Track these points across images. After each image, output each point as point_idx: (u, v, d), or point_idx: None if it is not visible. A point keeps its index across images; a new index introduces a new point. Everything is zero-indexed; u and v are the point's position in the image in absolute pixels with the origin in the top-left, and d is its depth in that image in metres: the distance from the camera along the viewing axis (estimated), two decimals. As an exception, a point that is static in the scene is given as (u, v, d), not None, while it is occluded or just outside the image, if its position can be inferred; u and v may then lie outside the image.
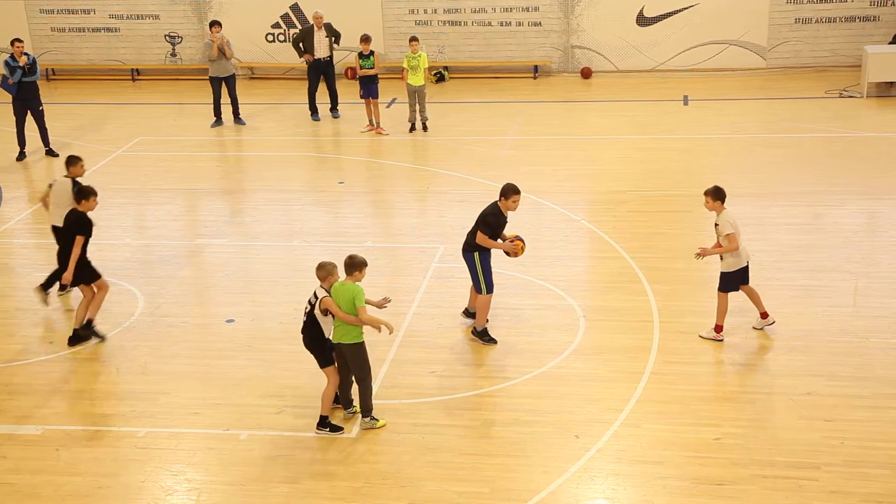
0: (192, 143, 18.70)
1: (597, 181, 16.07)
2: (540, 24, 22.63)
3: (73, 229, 10.98)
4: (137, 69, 23.71)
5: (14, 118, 17.61)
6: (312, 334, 9.53)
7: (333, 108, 19.90)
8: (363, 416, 9.65)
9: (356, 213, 15.29)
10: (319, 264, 9.45)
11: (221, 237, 14.19)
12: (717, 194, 10.71)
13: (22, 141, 17.70)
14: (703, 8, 21.96)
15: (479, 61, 22.98)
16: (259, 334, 11.57)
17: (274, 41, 23.21)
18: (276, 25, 23.15)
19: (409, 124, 18.98)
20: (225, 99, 19.55)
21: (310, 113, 19.78)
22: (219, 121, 19.66)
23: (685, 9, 22.08)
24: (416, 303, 12.09)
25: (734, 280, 10.84)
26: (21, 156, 17.71)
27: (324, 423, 9.60)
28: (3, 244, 14.28)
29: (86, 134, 19.18)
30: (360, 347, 9.44)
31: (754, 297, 11.05)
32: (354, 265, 9.39)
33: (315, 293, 9.43)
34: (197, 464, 9.24)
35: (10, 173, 17.14)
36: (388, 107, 20.21)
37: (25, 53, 17.50)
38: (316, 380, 10.41)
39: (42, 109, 17.75)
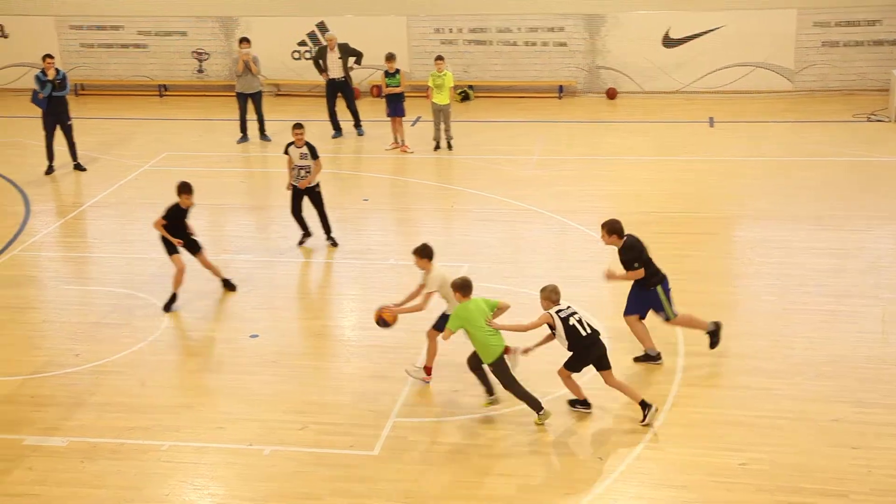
0: (218, 158, 18.82)
1: (621, 202, 16.04)
2: (565, 44, 22.67)
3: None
4: (165, 85, 23.91)
5: (44, 132, 17.78)
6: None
7: (356, 126, 20.01)
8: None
9: (380, 231, 15.33)
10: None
11: (246, 253, 14.24)
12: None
13: (51, 155, 17.86)
14: (729, 30, 21.94)
15: (504, 80, 23.04)
16: (283, 350, 11.60)
17: (300, 59, 23.35)
18: (302, 43, 23.30)
19: (434, 142, 19.03)
20: (251, 115, 19.67)
21: (333, 131, 19.90)
22: (244, 137, 19.79)
23: (711, 31, 22.07)
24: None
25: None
26: (49, 170, 17.87)
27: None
28: (31, 257, 14.39)
29: (113, 149, 19.34)
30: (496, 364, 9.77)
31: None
32: (465, 287, 9.82)
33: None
34: (220, 478, 9.26)
35: (39, 187, 17.30)
36: (412, 125, 20.28)
37: (56, 69, 17.68)
38: (339, 396, 10.43)
39: (71, 124, 17.92)
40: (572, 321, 9.79)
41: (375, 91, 22.77)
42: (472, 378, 10.67)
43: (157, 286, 13.05)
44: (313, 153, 14.19)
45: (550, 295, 9.90)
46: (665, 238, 14.46)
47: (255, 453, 9.54)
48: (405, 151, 18.93)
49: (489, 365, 9.91)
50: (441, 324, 10.47)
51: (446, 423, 9.99)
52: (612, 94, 22.68)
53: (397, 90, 18.84)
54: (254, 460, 9.45)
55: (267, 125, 19.85)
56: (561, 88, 22.87)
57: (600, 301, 12.68)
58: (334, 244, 14.32)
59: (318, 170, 14.26)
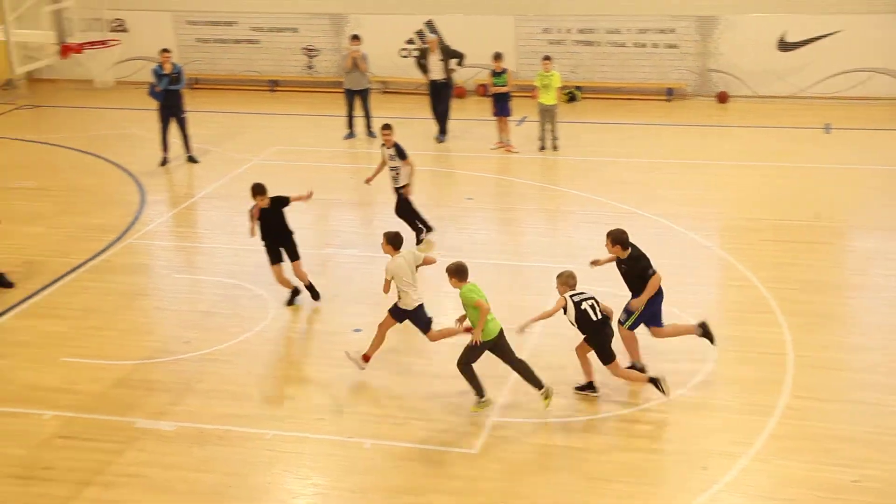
0: (325, 154, 19.07)
1: (730, 208, 15.72)
2: (676, 46, 22.33)
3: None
4: (276, 80, 24.35)
5: (159, 124, 18.28)
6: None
7: (441, 132, 19.71)
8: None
9: (483, 230, 15.33)
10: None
11: (351, 247, 14.39)
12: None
13: (165, 146, 18.35)
14: (846, 34, 21.31)
15: (611, 82, 22.80)
16: (385, 345, 11.64)
17: (408, 56, 23.52)
18: (410, 41, 23.45)
19: (540, 143, 18.95)
20: (358, 112, 19.88)
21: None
22: (351, 133, 20.01)
23: (828, 35, 21.46)
24: (542, 322, 11.99)
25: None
26: (164, 161, 18.36)
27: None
28: (145, 245, 14.81)
29: (224, 142, 19.77)
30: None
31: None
32: (460, 271, 10.04)
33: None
34: (321, 469, 9.38)
35: (154, 178, 17.79)
36: (518, 125, 20.23)
37: (172, 63, 18.16)
38: (440, 393, 10.46)
39: (185, 117, 18.38)
40: (584, 306, 10.11)
41: (481, 90, 22.79)
42: (572, 380, 10.60)
43: (263, 277, 13.27)
44: (402, 154, 14.18)
45: (567, 280, 10.26)
46: (775, 246, 14.15)
47: (356, 446, 9.63)
48: (510, 151, 18.89)
49: (489, 342, 9.88)
50: (394, 313, 10.73)
51: (546, 424, 9.92)
52: (723, 98, 22.24)
53: (503, 90, 18.81)
54: (354, 452, 9.54)
55: (374, 122, 20.03)
56: (670, 91, 22.53)
57: (706, 305, 12.44)
58: (419, 241, 14.42)
59: (411, 170, 14.28)
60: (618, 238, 10.55)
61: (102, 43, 15.10)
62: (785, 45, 21.84)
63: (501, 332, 10.04)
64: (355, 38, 19.74)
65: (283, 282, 12.60)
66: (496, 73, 18.88)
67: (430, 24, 23.28)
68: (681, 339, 11.49)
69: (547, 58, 18.85)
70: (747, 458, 9.25)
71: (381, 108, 21.26)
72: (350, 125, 20.02)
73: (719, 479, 8.98)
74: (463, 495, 8.89)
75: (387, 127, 14.41)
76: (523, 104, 20.25)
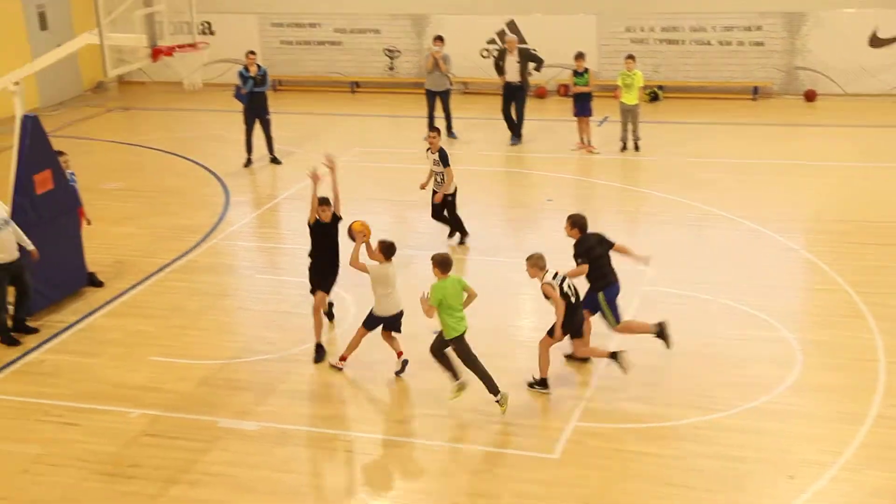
0: (406, 155, 19.16)
1: (818, 209, 15.35)
2: (762, 43, 21.90)
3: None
4: (357, 82, 24.55)
5: (244, 126, 18.57)
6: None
7: (516, 135, 19.49)
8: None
9: (562, 232, 15.16)
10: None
11: (430, 249, 14.36)
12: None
13: (249, 148, 18.63)
14: (942, 29, 20.66)
15: (695, 81, 22.47)
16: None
17: (489, 57, 23.49)
18: (492, 41, 23.43)
19: (621, 143, 18.75)
20: (439, 113, 19.92)
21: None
22: (433, 133, 20.04)
23: (923, 30, 20.85)
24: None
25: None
26: (248, 162, 18.65)
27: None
28: (228, 246, 15.05)
29: (306, 143, 19.99)
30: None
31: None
32: (444, 263, 10.11)
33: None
34: (400, 471, 9.41)
35: (238, 178, 18.08)
36: (599, 125, 20.05)
37: (257, 65, 18.43)
38: (519, 397, 10.42)
39: (269, 118, 18.64)
40: (565, 288, 10.32)
41: (562, 90, 22.66)
42: (656, 387, 10.47)
43: (343, 278, 13.36)
44: (444, 160, 14.01)
45: (538, 262, 10.36)
46: (865, 249, 13.78)
47: (436, 449, 9.64)
48: (591, 152, 18.73)
49: (452, 341, 10.02)
50: (368, 322, 10.80)
51: (627, 430, 9.81)
52: (810, 96, 21.75)
53: (585, 90, 18.65)
54: (432, 455, 9.55)
55: (454, 122, 20.05)
56: (756, 90, 22.10)
57: (793, 309, 12.17)
58: (461, 242, 14.37)
59: (450, 178, 14.14)
60: (575, 221, 11.03)
61: (192, 46, 15.35)
62: (877, 41, 21.26)
63: (464, 333, 10.15)
64: (439, 38, 19.78)
65: (319, 321, 11.39)
66: (578, 73, 18.73)
67: (511, 25, 23.22)
68: (766, 345, 11.29)
69: (630, 57, 18.65)
70: (836, 468, 9.02)
71: (462, 108, 21.29)
72: (431, 126, 20.05)
73: (807, 488, 8.77)
74: (542, 500, 8.83)
75: (434, 129, 14.35)
76: (604, 104, 20.07)
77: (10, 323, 12.09)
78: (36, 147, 12.53)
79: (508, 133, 19.60)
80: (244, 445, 9.78)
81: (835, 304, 12.21)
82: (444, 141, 19.77)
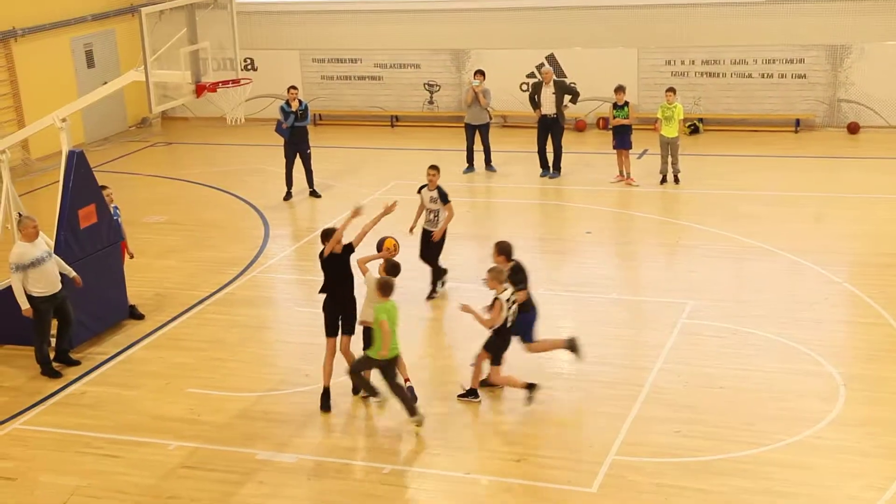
0: (444, 188, 19.14)
1: (862, 242, 15.15)
2: (804, 76, 21.76)
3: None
4: (397, 116, 24.72)
5: (284, 160, 18.75)
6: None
7: (556, 168, 19.43)
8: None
9: (602, 264, 15.15)
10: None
11: (468, 282, 14.38)
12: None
13: (290, 182, 18.80)
14: None
15: (736, 114, 22.36)
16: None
17: (528, 90, 23.53)
18: (531, 75, 23.49)
19: (661, 176, 18.67)
20: (478, 146, 19.98)
21: (540, 169, 19.60)
22: (471, 167, 20.12)
23: (968, 61, 20.61)
24: (662, 359, 11.79)
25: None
26: (288, 195, 18.81)
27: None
28: (268, 278, 15.16)
29: (346, 177, 20.11)
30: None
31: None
32: (386, 286, 10.36)
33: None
34: (437, 505, 9.36)
35: (278, 212, 18.22)
36: (639, 157, 19.99)
37: (298, 100, 18.64)
38: (557, 430, 10.35)
39: (310, 153, 18.80)
40: (510, 314, 10.66)
41: (602, 123, 22.65)
42: (695, 420, 10.35)
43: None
44: (443, 198, 13.75)
45: (499, 276, 10.65)
46: (911, 282, 13.57)
47: (473, 482, 9.58)
48: (630, 184, 18.67)
49: (381, 362, 10.26)
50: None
51: (667, 463, 9.68)
52: (854, 129, 21.54)
53: (625, 122, 18.63)
54: (471, 489, 9.49)
55: (493, 156, 20.10)
56: (798, 122, 21.94)
57: (836, 343, 11.99)
58: (443, 284, 13.93)
59: (449, 216, 13.74)
60: (502, 249, 11.16)
61: (235, 81, 15.60)
62: (921, 74, 21.06)
63: (397, 357, 10.46)
64: (480, 73, 19.87)
65: (329, 368, 11.04)
66: (618, 106, 18.71)
67: (551, 58, 23.29)
68: (809, 378, 11.13)
69: (671, 90, 18.60)
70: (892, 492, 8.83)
71: (500, 142, 21.34)
72: (470, 159, 20.14)
73: (856, 522, 8.60)
74: (579, 535, 8.74)
75: (434, 168, 13.94)
76: (643, 136, 20.02)
77: (51, 354, 12.24)
78: (81, 182, 12.75)
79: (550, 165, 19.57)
80: (281, 478, 9.78)
81: (878, 338, 12.02)
82: (482, 174, 19.90)
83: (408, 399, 10.46)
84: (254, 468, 9.94)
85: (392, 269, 10.99)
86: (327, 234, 11.26)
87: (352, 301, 11.10)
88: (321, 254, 11.22)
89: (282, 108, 18.64)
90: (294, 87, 18.87)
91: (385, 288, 10.42)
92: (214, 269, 15.28)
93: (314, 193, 18.91)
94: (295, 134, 18.59)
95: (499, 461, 9.91)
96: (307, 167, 18.84)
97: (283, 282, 15.18)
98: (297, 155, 18.71)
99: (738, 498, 9.10)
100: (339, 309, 11.07)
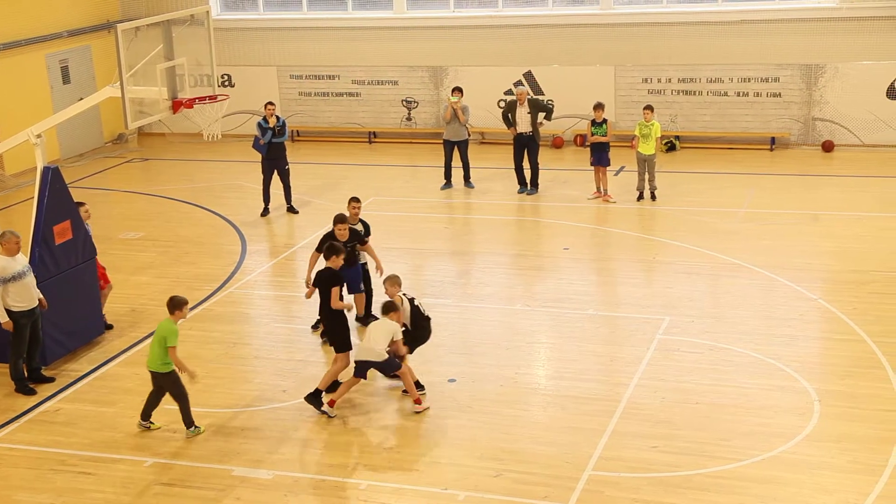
0: (422, 204, 19.23)
1: (836, 259, 15.28)
2: (780, 95, 21.96)
3: (326, 284, 11.47)
4: (374, 132, 24.75)
5: (262, 175, 18.71)
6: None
7: (532, 184, 19.52)
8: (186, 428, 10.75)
9: (579, 280, 15.19)
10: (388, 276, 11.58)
11: (445, 297, 14.41)
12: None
13: (266, 198, 18.76)
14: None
15: (712, 131, 22.52)
16: (479, 395, 11.63)
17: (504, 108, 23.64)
18: (509, 92, 23.59)
19: (638, 193, 18.77)
20: (456, 162, 20.03)
21: (518, 185, 19.66)
22: (448, 183, 20.15)
23: (940, 81, 20.87)
24: (639, 374, 11.83)
25: None
26: (265, 212, 18.76)
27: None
28: (245, 294, 15.11)
29: (324, 193, 20.09)
30: (169, 376, 10.65)
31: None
32: (174, 304, 10.57)
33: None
34: (414, 521, 9.33)
35: (254, 228, 18.18)
36: (616, 174, 20.10)
37: (276, 116, 18.62)
38: (534, 445, 10.35)
39: (288, 168, 18.77)
40: (416, 301, 11.46)
41: (579, 140, 22.77)
42: (672, 436, 10.38)
43: (354, 326, 13.39)
44: (367, 232, 13.41)
45: (397, 280, 11.47)
46: (884, 299, 13.69)
47: (450, 498, 9.56)
48: (607, 201, 18.76)
49: (165, 375, 10.58)
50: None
51: (644, 479, 9.70)
52: (828, 147, 21.75)
53: (603, 139, 18.73)
54: (448, 505, 9.48)
55: (471, 172, 20.15)
56: (773, 140, 22.13)
57: (811, 359, 12.07)
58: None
59: (370, 251, 13.31)
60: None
61: (212, 98, 15.59)
62: (894, 93, 21.28)
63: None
64: (458, 90, 19.94)
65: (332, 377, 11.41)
66: (596, 123, 18.82)
67: (528, 75, 23.40)
68: (784, 394, 11.20)
69: (648, 108, 18.72)
70: (871, 498, 8.87)
71: (479, 158, 21.40)
72: (447, 176, 20.17)
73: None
74: (557, 551, 8.73)
75: (355, 200, 13.54)
76: (621, 154, 20.13)
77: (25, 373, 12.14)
78: (56, 198, 12.67)
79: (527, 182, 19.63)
80: (258, 494, 9.73)
81: (853, 355, 12.10)
82: (460, 190, 19.93)
83: (187, 411, 10.83)
84: (230, 484, 9.88)
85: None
86: (332, 249, 11.66)
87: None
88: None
89: (259, 125, 18.61)
90: (271, 104, 18.84)
91: (173, 306, 10.66)
92: (191, 286, 15.20)
93: (291, 209, 18.87)
94: (272, 150, 18.55)
95: (476, 476, 9.89)
96: (285, 183, 18.80)
97: (260, 298, 15.13)
98: (275, 171, 18.67)
99: (713, 512, 9.14)
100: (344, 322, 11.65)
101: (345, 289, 11.80)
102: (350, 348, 11.48)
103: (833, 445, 10.12)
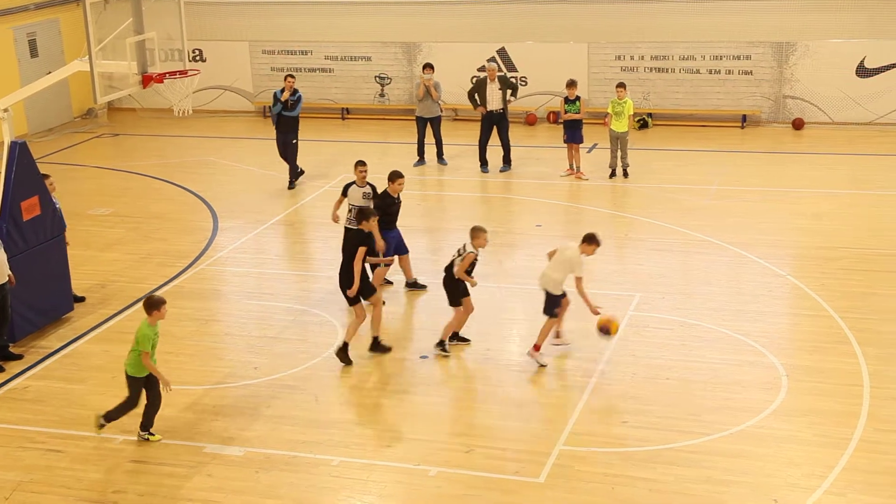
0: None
1: (805, 236, 15.42)
2: (751, 72, 22.05)
3: (356, 244, 11.68)
4: (347, 108, 24.63)
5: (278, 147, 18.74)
6: (450, 276, 11.82)
7: (505, 161, 19.53)
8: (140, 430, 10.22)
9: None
10: (473, 227, 11.91)
11: (418, 274, 14.40)
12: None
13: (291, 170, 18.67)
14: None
15: (684, 109, 22.59)
16: (451, 372, 11.68)
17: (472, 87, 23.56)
18: (482, 69, 23.51)
19: (610, 170, 18.82)
20: (429, 139, 19.98)
21: (479, 165, 19.64)
22: (421, 160, 20.12)
23: (910, 59, 21.03)
24: (610, 350, 11.91)
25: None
26: (291, 184, 18.64)
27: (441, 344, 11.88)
28: (216, 271, 15.04)
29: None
30: (138, 381, 9.97)
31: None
32: (150, 305, 9.94)
33: (465, 246, 11.81)
34: (387, 496, 9.37)
35: (227, 204, 17.95)
36: (588, 151, 20.13)
37: (294, 89, 18.57)
38: (505, 421, 10.41)
39: (296, 143, 18.73)
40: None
41: (552, 117, 22.77)
42: (642, 411, 10.46)
43: (332, 303, 13.38)
44: (376, 193, 13.50)
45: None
46: (853, 275, 13.84)
47: (422, 473, 9.60)
48: (580, 178, 18.80)
49: (137, 378, 9.96)
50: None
51: (615, 453, 9.78)
52: (798, 125, 21.88)
53: (576, 117, 18.74)
54: (420, 480, 9.51)
55: (444, 149, 20.12)
56: (744, 118, 22.23)
57: (780, 335, 12.20)
58: None
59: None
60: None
61: (183, 73, 15.45)
62: (864, 71, 21.43)
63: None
64: (428, 66, 19.87)
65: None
66: (569, 101, 18.82)
67: (502, 52, 23.34)
68: (753, 369, 11.31)
69: (621, 85, 18.74)
70: (821, 492, 9.02)
71: (451, 135, 21.35)
72: (420, 152, 20.13)
73: (791, 513, 8.76)
74: (527, 525, 8.80)
75: (362, 163, 13.66)
76: (594, 131, 20.16)
77: (-9, 350, 12.05)
78: (23, 173, 12.53)
79: (498, 159, 19.60)
80: (229, 471, 9.73)
81: (821, 330, 12.24)
82: (433, 167, 19.90)
83: (120, 414, 10.23)
84: (201, 461, 9.88)
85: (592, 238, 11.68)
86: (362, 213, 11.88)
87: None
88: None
89: (274, 95, 18.58)
90: (291, 76, 18.78)
91: (149, 307, 10.03)
92: (162, 262, 15.13)
93: (291, 185, 18.76)
94: (282, 123, 18.59)
95: (448, 452, 9.94)
96: (292, 156, 18.69)
97: (231, 274, 15.06)
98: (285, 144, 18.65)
99: (682, 487, 9.23)
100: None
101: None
102: (375, 292, 11.92)
103: (800, 419, 10.24)
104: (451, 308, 12.04)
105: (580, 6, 22.84)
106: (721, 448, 9.81)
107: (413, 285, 13.85)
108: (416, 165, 20.04)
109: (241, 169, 20.17)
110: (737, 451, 9.75)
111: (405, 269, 13.83)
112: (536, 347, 11.61)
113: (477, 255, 11.88)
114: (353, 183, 13.70)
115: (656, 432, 10.13)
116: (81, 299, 13.62)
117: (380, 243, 12.68)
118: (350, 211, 13.38)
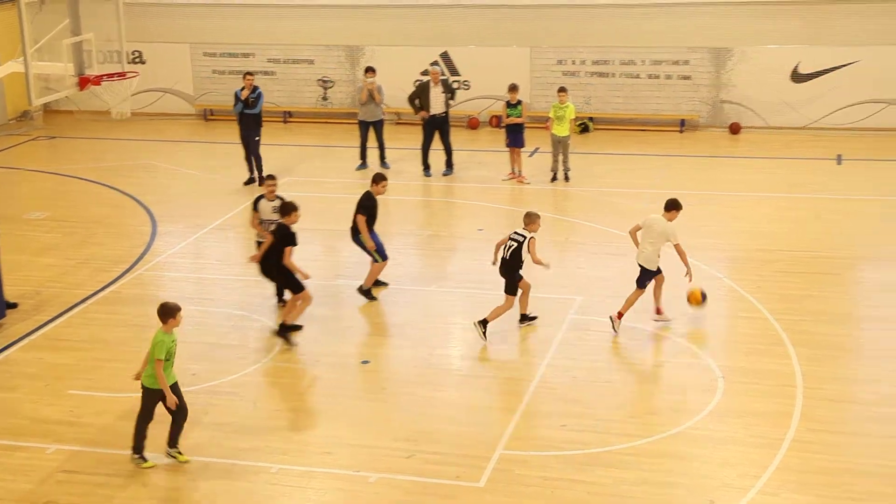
0: (337, 185, 19.12)
1: (742, 239, 15.65)
2: (689, 77, 22.36)
3: (282, 242, 12.07)
4: (290, 111, 24.49)
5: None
6: (510, 263, 12.22)
7: (447, 165, 19.58)
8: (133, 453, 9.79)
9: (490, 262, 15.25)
10: (527, 213, 12.54)
11: (359, 279, 14.36)
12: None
13: (250, 168, 18.90)
14: (863, 66, 21.28)
15: (624, 113, 22.83)
16: (393, 377, 11.66)
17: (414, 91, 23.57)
18: (425, 73, 23.53)
19: (552, 174, 18.94)
20: (372, 143, 19.95)
21: (422, 168, 19.66)
22: (364, 164, 20.07)
23: (844, 66, 21.43)
24: (551, 354, 11.97)
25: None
26: (249, 180, 18.86)
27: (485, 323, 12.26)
28: (154, 276, 14.85)
29: (237, 172, 19.79)
30: (154, 393, 9.57)
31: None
32: (164, 312, 9.69)
33: (520, 233, 12.42)
34: (326, 503, 9.31)
35: (165, 208, 17.77)
36: (530, 156, 20.24)
37: (254, 87, 18.72)
38: (446, 426, 10.41)
39: (257, 140, 18.91)
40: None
41: (494, 121, 22.86)
42: (581, 414, 10.53)
43: (271, 309, 13.29)
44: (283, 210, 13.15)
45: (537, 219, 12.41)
46: (787, 277, 14.07)
47: (361, 480, 9.56)
48: (522, 182, 18.89)
49: (152, 391, 9.57)
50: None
51: (554, 457, 9.83)
52: (735, 129, 22.22)
53: (518, 121, 18.83)
54: (360, 487, 9.47)
55: (387, 153, 20.09)
56: (683, 122, 22.52)
57: (716, 337, 12.36)
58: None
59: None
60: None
61: (121, 75, 15.26)
62: (798, 77, 21.84)
63: (176, 383, 9.82)
64: (370, 70, 19.85)
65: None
66: (511, 105, 18.90)
67: (445, 56, 23.39)
68: (690, 371, 11.45)
69: (563, 90, 18.87)
70: (755, 492, 9.15)
71: (394, 139, 21.32)
72: (363, 156, 20.08)
73: (726, 514, 8.87)
74: (467, 530, 8.81)
75: (271, 178, 13.52)
76: (535, 135, 20.27)
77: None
78: (-46, 176, 12.27)
79: (441, 163, 19.62)
80: (166, 480, 9.60)
81: (755, 332, 12.43)
82: (376, 170, 19.83)
83: (142, 435, 9.82)
84: (138, 471, 9.72)
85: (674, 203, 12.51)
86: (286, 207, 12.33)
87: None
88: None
89: (235, 93, 18.73)
90: (250, 74, 18.99)
91: (164, 314, 9.79)
92: (98, 267, 14.90)
93: (251, 181, 18.81)
94: (243, 121, 18.75)
95: (389, 458, 9.91)
96: (254, 154, 18.87)
97: (170, 279, 14.89)
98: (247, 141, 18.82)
99: (620, 489, 9.30)
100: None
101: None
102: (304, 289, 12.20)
103: (736, 420, 10.39)
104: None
105: (523, 10, 22.98)
106: (659, 450, 9.91)
107: (367, 293, 13.73)
108: (358, 169, 19.98)
109: (181, 173, 19.95)
110: (674, 452, 9.86)
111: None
112: (619, 315, 12.25)
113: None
114: (263, 196, 13.41)
115: (595, 435, 10.21)
116: (14, 306, 13.36)
117: (370, 243, 13.43)
118: (261, 223, 13.20)
